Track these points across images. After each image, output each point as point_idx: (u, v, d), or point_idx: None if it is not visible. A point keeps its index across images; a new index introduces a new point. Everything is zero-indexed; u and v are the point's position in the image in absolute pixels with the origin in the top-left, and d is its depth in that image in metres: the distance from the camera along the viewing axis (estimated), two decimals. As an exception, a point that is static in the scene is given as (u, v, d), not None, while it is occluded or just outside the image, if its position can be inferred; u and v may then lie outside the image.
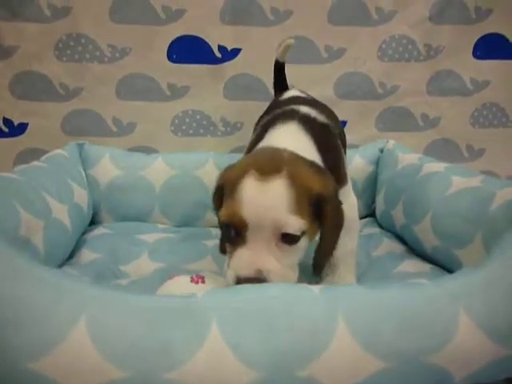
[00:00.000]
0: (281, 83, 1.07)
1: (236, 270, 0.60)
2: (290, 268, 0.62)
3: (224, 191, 0.64)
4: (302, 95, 0.96)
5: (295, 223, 0.59)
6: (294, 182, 0.59)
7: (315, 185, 0.61)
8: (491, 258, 0.53)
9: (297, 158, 0.64)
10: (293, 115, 0.75)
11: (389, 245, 0.97)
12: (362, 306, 0.49)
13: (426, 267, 0.83)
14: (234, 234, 0.61)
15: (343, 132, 0.92)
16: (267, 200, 0.58)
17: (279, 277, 0.59)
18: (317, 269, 0.67)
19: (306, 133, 0.72)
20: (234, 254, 0.61)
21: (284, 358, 0.46)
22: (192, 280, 0.63)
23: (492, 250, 0.54)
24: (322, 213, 0.62)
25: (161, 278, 0.81)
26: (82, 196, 0.97)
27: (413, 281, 0.55)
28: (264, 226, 0.59)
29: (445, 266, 0.81)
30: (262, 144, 0.72)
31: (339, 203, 0.66)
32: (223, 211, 0.61)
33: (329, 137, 0.77)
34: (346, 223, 0.73)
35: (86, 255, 0.88)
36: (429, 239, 0.84)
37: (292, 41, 1.03)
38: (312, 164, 0.65)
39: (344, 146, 0.86)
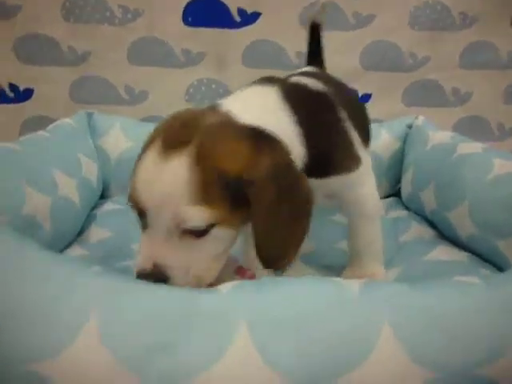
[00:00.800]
0: (316, 51, 0.94)
1: (136, 262, 0.49)
2: (202, 262, 0.50)
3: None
4: (315, 71, 0.85)
5: (197, 216, 0.46)
6: (202, 160, 0.46)
7: (234, 164, 0.48)
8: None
9: (222, 126, 0.50)
10: (276, 81, 0.62)
11: (418, 229, 0.91)
12: (409, 310, 0.43)
13: (462, 255, 0.77)
14: (136, 214, 0.50)
15: (363, 108, 0.81)
16: (164, 185, 0.46)
17: (183, 274, 0.49)
18: (264, 264, 0.52)
19: (281, 99, 0.57)
20: (141, 238, 0.50)
21: (319, 367, 0.41)
22: (238, 272, 0.57)
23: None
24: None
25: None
26: (91, 169, 0.92)
27: (462, 278, 0.48)
28: (161, 216, 0.47)
29: (482, 255, 0.75)
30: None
31: (292, 180, 0.51)
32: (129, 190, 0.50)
33: (324, 108, 0.62)
34: (365, 210, 0.66)
35: (96, 233, 0.83)
36: (465, 226, 0.78)
37: (327, 1, 0.91)
38: (247, 133, 0.50)
39: (361, 124, 0.72)
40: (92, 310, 0.39)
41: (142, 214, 0.49)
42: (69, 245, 0.77)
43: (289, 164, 0.52)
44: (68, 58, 1.14)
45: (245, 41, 1.17)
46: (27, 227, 0.58)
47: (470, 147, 0.86)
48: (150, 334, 0.39)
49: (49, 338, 0.39)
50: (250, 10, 1.15)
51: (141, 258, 0.49)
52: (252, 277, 0.58)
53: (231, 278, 0.56)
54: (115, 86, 1.17)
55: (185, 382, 0.39)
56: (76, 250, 0.75)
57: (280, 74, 1.14)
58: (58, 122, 0.93)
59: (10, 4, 1.07)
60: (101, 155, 1.02)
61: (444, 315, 0.43)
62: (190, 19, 1.14)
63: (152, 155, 0.47)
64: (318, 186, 0.58)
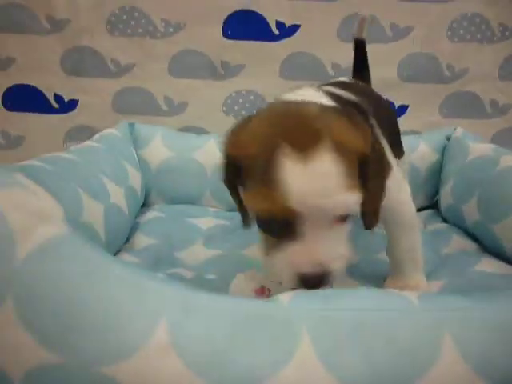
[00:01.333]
0: (360, 64, 0.95)
1: (295, 267, 0.49)
2: (344, 246, 0.52)
3: (243, 169, 0.51)
4: (348, 81, 0.87)
5: (353, 200, 0.48)
6: (340, 147, 0.47)
7: (361, 145, 0.50)
8: None
9: (326, 111, 0.51)
10: (312, 88, 0.66)
11: (459, 241, 0.90)
12: (470, 322, 0.43)
13: (509, 268, 0.76)
14: (277, 227, 0.50)
15: (393, 116, 0.83)
16: (320, 182, 0.46)
17: (340, 264, 0.51)
18: (368, 225, 0.57)
19: (327, 98, 0.60)
20: (281, 249, 0.50)
21: (383, 378, 0.41)
22: (257, 292, 0.58)
23: None
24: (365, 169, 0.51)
25: (219, 265, 0.79)
26: (135, 178, 0.94)
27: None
28: (318, 214, 0.48)
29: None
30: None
31: (379, 147, 0.55)
32: (257, 203, 0.48)
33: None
34: (404, 218, 0.67)
35: (141, 240, 0.85)
36: (511, 239, 0.77)
37: (367, 15, 0.92)
38: (353, 116, 0.52)
39: (393, 133, 0.75)
40: (162, 314, 0.40)
41: (289, 222, 0.48)
42: (117, 252, 0.79)
43: (372, 131, 0.56)
44: (111, 69, 1.17)
45: (283, 53, 1.18)
46: (88, 234, 0.60)
47: (513, 159, 0.86)
48: (217, 340, 0.40)
49: (120, 342, 0.40)
50: (288, 23, 1.16)
51: (303, 262, 0.49)
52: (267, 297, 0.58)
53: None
54: (155, 97, 1.20)
55: (249, 389, 0.40)
56: (125, 257, 0.77)
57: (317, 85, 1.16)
58: (103, 132, 0.95)
59: (59, 18, 1.11)
60: (142, 164, 1.05)
61: (505, 327, 0.43)
62: (229, 32, 1.16)
63: (291, 159, 0.46)
64: None
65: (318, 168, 0.46)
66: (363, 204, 0.51)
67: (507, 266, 0.77)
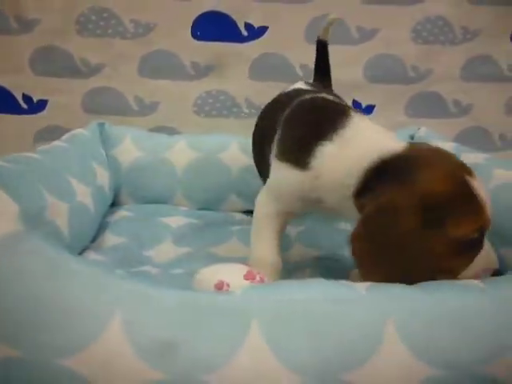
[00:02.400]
0: (323, 66, 0.98)
1: (489, 265, 0.59)
2: None
3: (448, 204, 0.56)
4: (307, 87, 0.87)
5: None
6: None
7: None
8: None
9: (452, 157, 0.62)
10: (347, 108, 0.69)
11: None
12: (414, 310, 0.46)
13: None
14: (474, 243, 0.58)
15: None
16: (488, 201, 0.58)
17: None
18: None
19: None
20: (475, 259, 0.58)
21: (329, 362, 0.43)
22: (248, 277, 0.60)
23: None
24: None
25: (187, 262, 0.80)
26: (104, 178, 0.95)
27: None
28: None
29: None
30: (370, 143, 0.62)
31: None
32: (469, 225, 0.56)
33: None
34: None
35: (109, 239, 0.86)
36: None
37: (334, 16, 0.93)
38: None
39: None
40: (117, 307, 0.42)
41: (482, 234, 0.58)
42: (82, 251, 0.80)
43: None
44: (81, 70, 1.17)
45: (252, 54, 1.20)
46: (50, 232, 0.61)
47: (472, 157, 0.89)
48: (171, 331, 0.42)
49: (76, 334, 0.41)
50: (257, 25, 1.18)
51: (494, 260, 0.60)
52: (262, 280, 0.60)
53: (241, 282, 0.59)
54: (126, 97, 1.20)
55: (202, 377, 0.42)
56: (91, 256, 0.77)
57: (285, 86, 1.18)
58: (72, 132, 0.96)
59: (29, 18, 1.11)
60: (112, 164, 1.06)
61: (447, 313, 0.45)
62: (198, 33, 1.18)
63: (477, 182, 0.57)
64: None
65: (484, 192, 0.57)
66: None
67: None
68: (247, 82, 1.22)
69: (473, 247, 0.58)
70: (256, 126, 0.90)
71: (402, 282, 0.52)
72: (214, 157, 1.09)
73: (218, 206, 1.11)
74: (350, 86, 1.21)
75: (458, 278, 0.56)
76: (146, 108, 1.22)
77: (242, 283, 0.59)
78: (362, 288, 0.48)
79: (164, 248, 0.87)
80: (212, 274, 0.62)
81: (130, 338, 0.41)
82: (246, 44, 1.19)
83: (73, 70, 1.17)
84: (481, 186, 0.57)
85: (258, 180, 1.08)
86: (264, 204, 0.73)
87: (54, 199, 0.66)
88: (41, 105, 1.19)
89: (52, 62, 1.16)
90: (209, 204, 1.11)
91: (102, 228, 0.90)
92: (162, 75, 1.20)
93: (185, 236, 0.91)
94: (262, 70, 1.21)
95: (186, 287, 0.63)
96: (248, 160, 1.08)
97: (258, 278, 0.60)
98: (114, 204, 1.07)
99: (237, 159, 1.10)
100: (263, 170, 0.83)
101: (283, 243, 0.75)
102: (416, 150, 0.61)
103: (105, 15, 1.14)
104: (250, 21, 1.18)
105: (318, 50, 0.97)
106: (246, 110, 1.25)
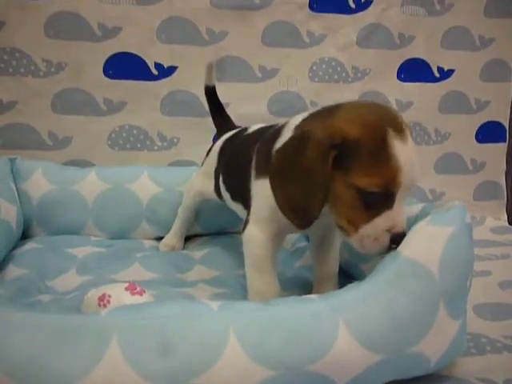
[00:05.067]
0: (216, 108, 1.08)
1: (393, 228, 0.60)
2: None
3: (353, 150, 0.57)
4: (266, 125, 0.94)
5: None
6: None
7: None
8: (372, 275, 0.59)
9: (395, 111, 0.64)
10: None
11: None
12: (253, 321, 0.54)
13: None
14: (380, 199, 0.59)
15: None
16: (417, 161, 0.59)
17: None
18: None
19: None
20: (379, 215, 0.59)
21: (179, 369, 0.50)
22: (128, 288, 0.66)
23: (375, 269, 0.60)
24: None
25: (87, 289, 0.84)
26: (10, 212, 0.98)
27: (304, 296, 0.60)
28: (410, 186, 0.60)
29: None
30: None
31: None
32: (373, 179, 0.57)
33: None
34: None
35: (12, 271, 0.89)
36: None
37: (212, 61, 1.03)
38: None
39: None
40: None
41: (393, 194, 0.59)
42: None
43: None
44: (-6, 106, 1.21)
45: (162, 91, 1.29)
46: None
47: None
48: (35, 350, 0.48)
49: None
50: (166, 64, 1.27)
51: (398, 224, 0.60)
52: (141, 292, 0.67)
53: (121, 295, 0.66)
54: (39, 132, 1.24)
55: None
56: (-11, 288, 0.81)
57: (195, 120, 1.28)
58: (-21, 168, 0.99)
59: None
60: (23, 198, 1.09)
61: (281, 322, 0.54)
62: (110, 72, 1.25)
63: (399, 142, 0.57)
64: None
65: (412, 149, 0.59)
66: None
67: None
68: (159, 117, 1.29)
69: (376, 203, 0.59)
70: (219, 162, 0.95)
71: (302, 208, 0.60)
72: (125, 187, 1.15)
73: (130, 234, 1.16)
74: (255, 119, 1.30)
75: (358, 232, 0.60)
76: (60, 142, 1.25)
77: (123, 294, 0.66)
78: (214, 305, 0.56)
79: (66, 277, 0.91)
80: (97, 290, 0.69)
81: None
82: (156, 82, 1.28)
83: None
84: (407, 149, 0.58)
85: (167, 207, 1.16)
86: (256, 235, 0.73)
87: None
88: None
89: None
90: (121, 232, 1.16)
91: (6, 261, 0.93)
92: (75, 111, 1.25)
93: (88, 265, 0.96)
94: (172, 105, 1.30)
95: (76, 310, 0.69)
96: (158, 188, 1.15)
97: (138, 289, 0.67)
98: (26, 237, 1.10)
99: (147, 188, 1.16)
100: (236, 193, 0.86)
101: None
102: (352, 102, 0.66)
103: (16, 55, 1.18)
104: (159, 61, 1.27)
105: (207, 94, 1.07)
106: (159, 143, 1.33)
